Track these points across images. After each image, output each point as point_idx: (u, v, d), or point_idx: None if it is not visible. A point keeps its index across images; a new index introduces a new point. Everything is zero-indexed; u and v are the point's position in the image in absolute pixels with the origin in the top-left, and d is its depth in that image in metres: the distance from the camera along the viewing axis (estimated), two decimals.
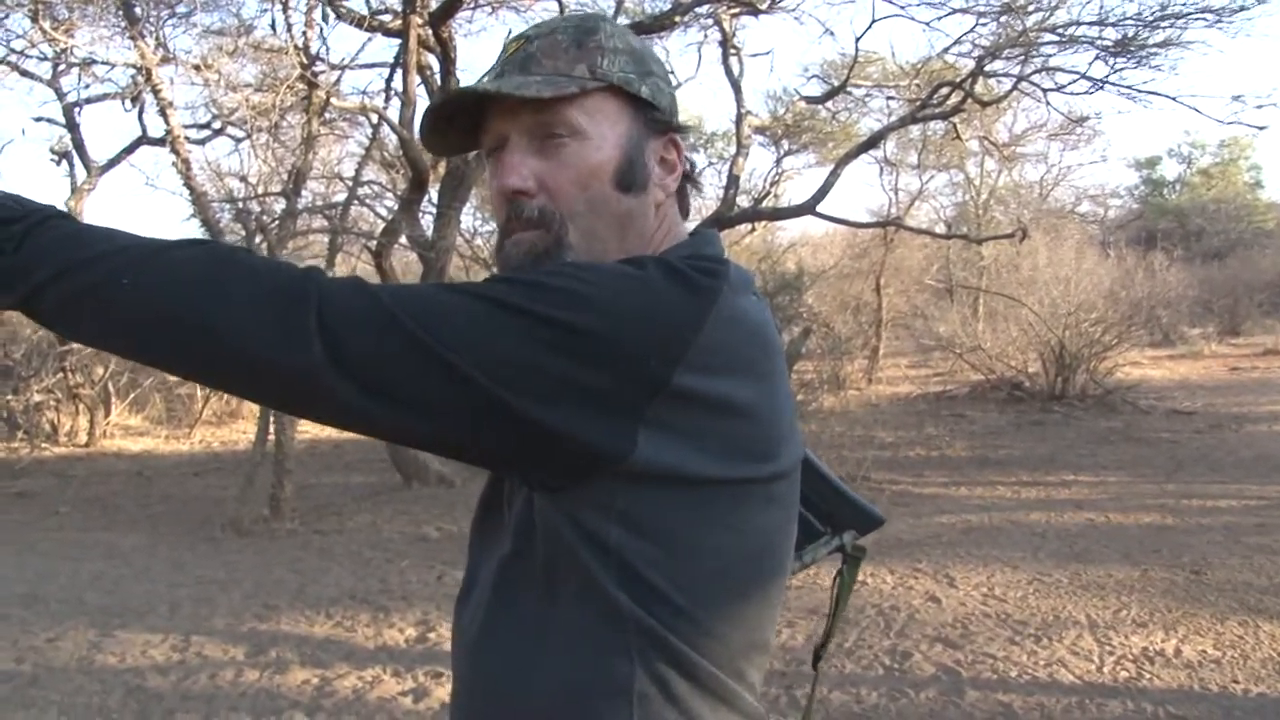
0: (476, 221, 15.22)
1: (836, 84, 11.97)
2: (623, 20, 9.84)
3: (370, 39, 9.66)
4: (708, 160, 18.52)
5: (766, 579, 1.00)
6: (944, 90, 10.73)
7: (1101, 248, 24.05)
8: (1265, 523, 6.53)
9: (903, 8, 9.81)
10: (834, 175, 10.41)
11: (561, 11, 9.13)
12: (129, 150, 13.00)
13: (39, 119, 13.25)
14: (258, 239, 11.79)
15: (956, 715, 3.73)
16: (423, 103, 8.87)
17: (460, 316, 0.87)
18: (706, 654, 0.95)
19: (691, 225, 1.17)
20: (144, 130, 12.62)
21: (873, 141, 11.48)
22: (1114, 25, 9.37)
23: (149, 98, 9.32)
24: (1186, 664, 4.16)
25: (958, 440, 10.58)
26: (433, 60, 9.20)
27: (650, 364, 0.88)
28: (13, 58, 11.03)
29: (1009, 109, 16.45)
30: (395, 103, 9.50)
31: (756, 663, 1.02)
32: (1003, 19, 9.98)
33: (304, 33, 8.28)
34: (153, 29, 8.79)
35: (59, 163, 13.04)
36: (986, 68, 10.36)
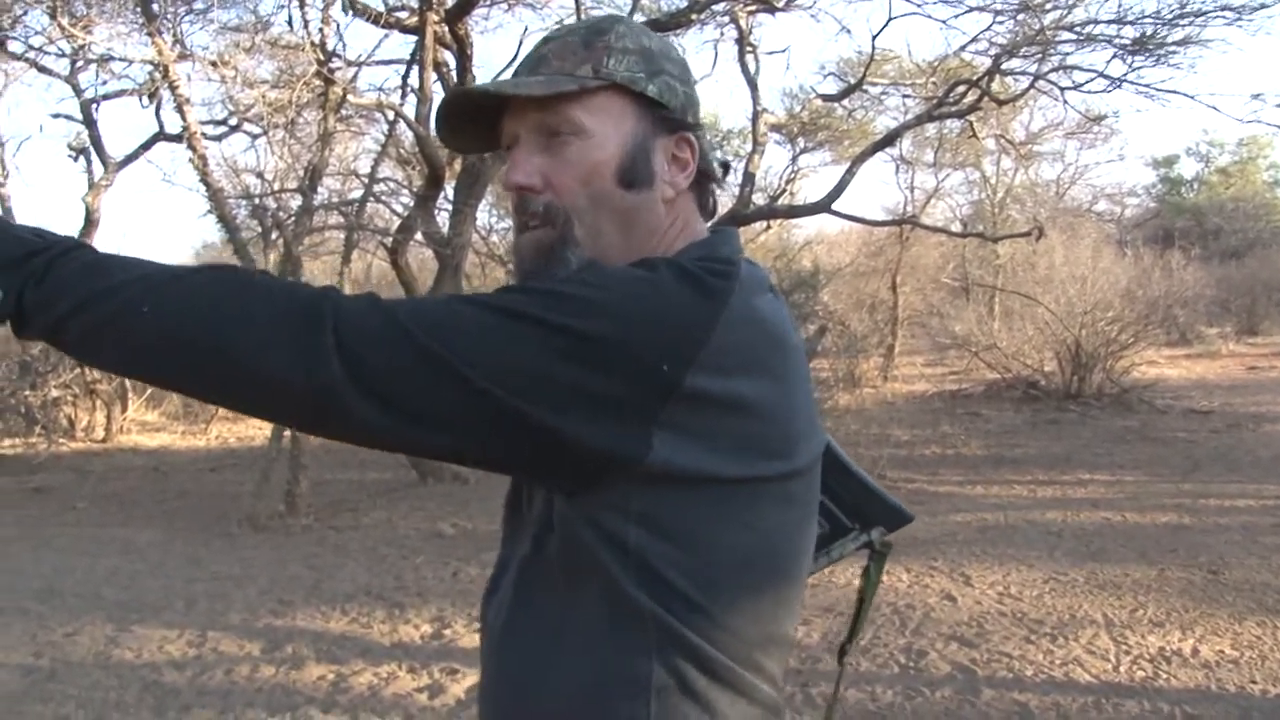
0: (492, 218, 15.28)
1: (853, 82, 11.93)
2: (639, 18, 9.83)
3: (387, 36, 9.68)
4: (723, 158, 18.53)
5: (782, 575, 1.02)
6: (960, 88, 10.69)
7: (1118, 246, 23.93)
8: None
9: (919, 5, 9.79)
10: (850, 173, 10.38)
11: (578, 8, 9.14)
12: (146, 146, 13.09)
13: (57, 115, 13.37)
14: (274, 235, 11.84)
15: (972, 714, 3.72)
16: (439, 99, 8.88)
17: (474, 329, 0.88)
18: (722, 648, 0.96)
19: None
20: (161, 126, 12.71)
21: (889, 139, 11.44)
22: (1132, 23, 9.32)
23: (166, 94, 9.35)
24: (1204, 664, 4.13)
25: (973, 439, 10.54)
26: (449, 57, 9.21)
27: (663, 367, 0.89)
28: (31, 54, 11.12)
29: (1025, 107, 16.39)
30: (411, 99, 9.51)
31: (775, 655, 1.03)
32: (1020, 17, 9.94)
33: (321, 29, 8.29)
34: (170, 25, 8.83)
35: (77, 159, 13.14)
36: (1003, 66, 10.32)
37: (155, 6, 8.11)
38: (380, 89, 11.36)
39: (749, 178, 10.24)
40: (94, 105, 12.71)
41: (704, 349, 0.90)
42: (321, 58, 8.17)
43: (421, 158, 9.16)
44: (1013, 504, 7.39)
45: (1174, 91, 9.59)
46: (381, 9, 9.22)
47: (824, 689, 3.99)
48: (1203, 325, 20.43)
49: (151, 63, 8.25)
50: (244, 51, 9.03)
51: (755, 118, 10.54)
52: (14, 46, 11.00)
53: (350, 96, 8.90)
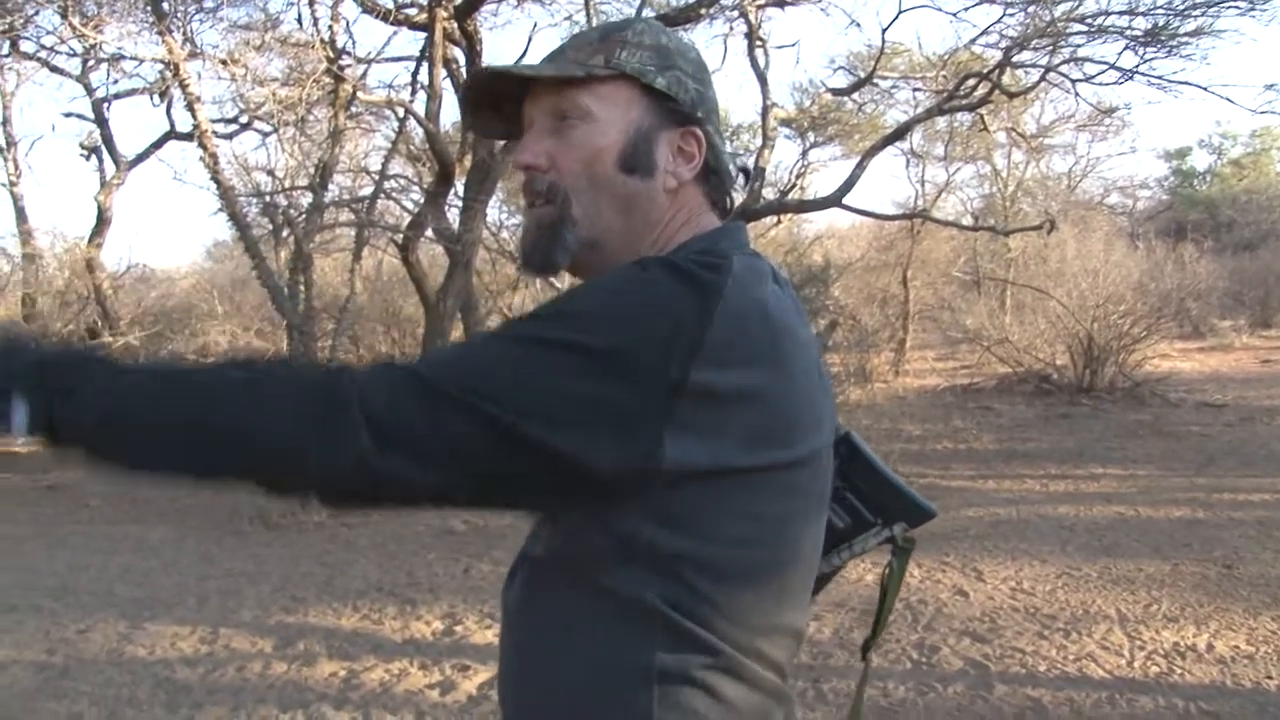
0: (502, 214, 15.25)
1: (863, 75, 11.90)
2: (648, 13, 9.82)
3: (396, 33, 9.70)
4: (733, 152, 18.50)
5: (786, 565, 1.05)
6: (971, 81, 10.65)
7: (1130, 240, 23.83)
8: None
9: None
10: (860, 167, 10.36)
11: (587, 3, 9.14)
12: (157, 145, 13.13)
13: (69, 115, 13.39)
14: (285, 233, 11.86)
15: (985, 710, 3.71)
16: (449, 96, 8.89)
17: (489, 366, 0.93)
18: (724, 636, 1.00)
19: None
20: (172, 125, 12.75)
21: (899, 133, 11.41)
22: (1144, 14, 9.28)
23: (177, 92, 9.38)
24: (1219, 659, 4.11)
25: (985, 433, 10.51)
26: (458, 53, 9.21)
27: (668, 368, 0.92)
28: (43, 54, 11.16)
29: (1036, 100, 16.29)
30: (421, 96, 9.54)
31: (780, 644, 1.06)
32: (1031, 9, 9.90)
33: (330, 26, 8.31)
34: (180, 24, 8.84)
35: (89, 158, 13.21)
36: (1014, 58, 10.27)
37: (165, 5, 8.13)
38: (390, 86, 11.42)
39: (759, 172, 10.21)
40: (105, 104, 12.79)
41: (704, 344, 0.92)
42: (331, 55, 8.18)
43: (432, 154, 9.16)
44: (1025, 498, 7.36)
45: (1186, 83, 9.55)
46: (391, 6, 9.23)
47: (835, 684, 3.99)
48: (1215, 318, 20.34)
49: (162, 61, 8.26)
50: (254, 50, 9.03)
51: (765, 112, 10.51)
52: (26, 47, 11.06)
53: (360, 94, 8.91)
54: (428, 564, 6.13)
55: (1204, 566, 5.43)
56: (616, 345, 0.91)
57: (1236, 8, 8.77)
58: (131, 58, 9.70)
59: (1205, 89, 9.43)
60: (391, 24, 9.19)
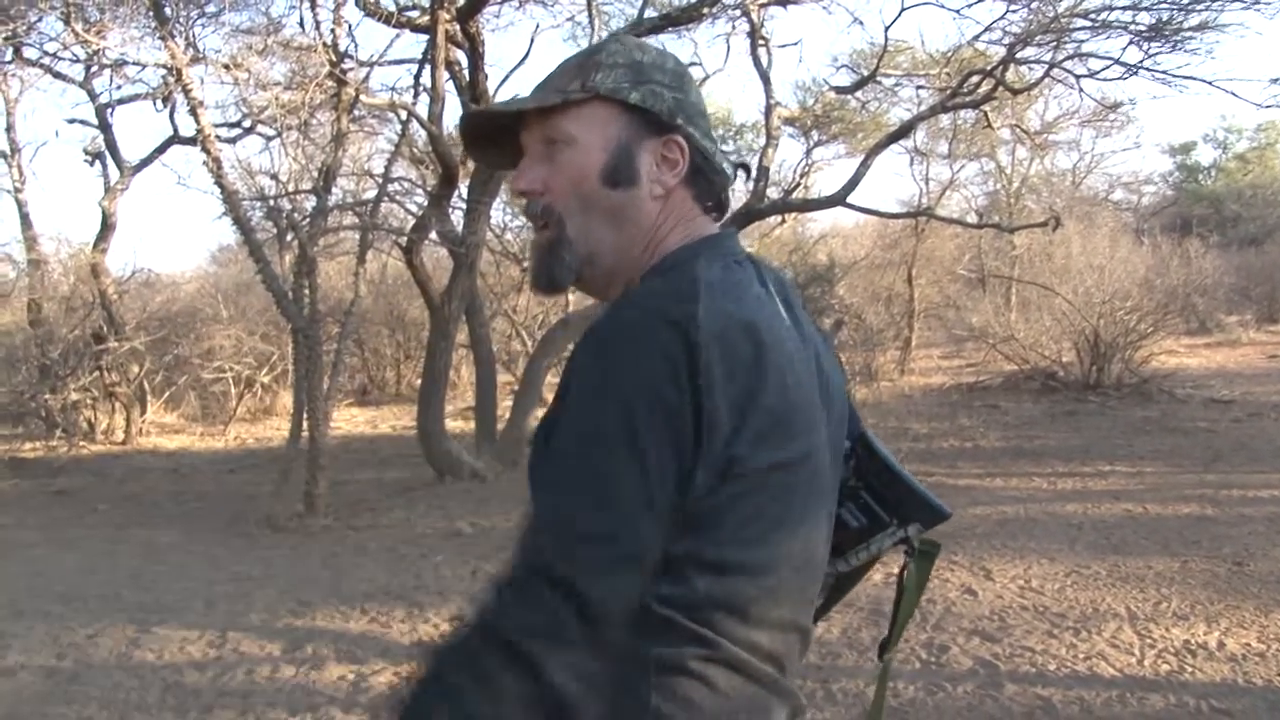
0: (506, 216, 15.24)
1: (866, 74, 11.88)
2: (650, 13, 9.81)
3: (398, 35, 9.65)
4: (737, 152, 18.46)
5: (782, 562, 1.09)
6: (975, 78, 10.62)
7: (1135, 235, 23.77)
8: None
9: None
10: (864, 166, 10.33)
11: (589, 4, 9.14)
12: (161, 150, 13.12)
13: (72, 120, 13.41)
14: (289, 236, 11.85)
15: (995, 709, 3.70)
16: (451, 98, 8.90)
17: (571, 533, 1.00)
18: (721, 630, 1.05)
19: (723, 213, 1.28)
20: (175, 130, 12.74)
21: (903, 131, 11.37)
22: (1148, 9, 9.23)
23: (180, 97, 9.37)
24: (1230, 657, 4.10)
25: (992, 431, 10.49)
26: (461, 56, 9.20)
27: (688, 415, 1.00)
28: (46, 59, 11.16)
29: (1040, 97, 16.26)
30: (424, 99, 9.51)
31: (780, 639, 1.11)
32: (1034, 5, 9.87)
33: (333, 30, 8.30)
34: (183, 29, 8.84)
35: (92, 163, 13.19)
36: (1018, 55, 10.23)
37: (168, 10, 8.13)
38: (393, 89, 11.37)
39: (763, 171, 10.18)
40: (109, 110, 12.75)
41: (697, 375, 0.99)
42: (334, 58, 8.17)
43: (435, 157, 9.15)
44: (1032, 496, 7.35)
45: (1191, 78, 9.50)
46: (393, 8, 9.22)
47: (844, 684, 3.98)
48: (1222, 313, 20.27)
49: (165, 66, 8.25)
50: (256, 54, 9.03)
51: (768, 111, 10.48)
52: (29, 53, 11.06)
53: (363, 97, 8.90)
54: (435, 567, 6.13)
55: (1214, 564, 5.41)
56: (649, 441, 0.98)
57: (1241, 1, 8.73)
58: (134, 63, 9.71)
59: (1210, 83, 9.38)
60: (394, 27, 9.18)
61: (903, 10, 10.69)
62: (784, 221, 16.81)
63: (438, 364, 9.08)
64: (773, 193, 12.74)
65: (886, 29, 10.62)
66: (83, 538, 7.42)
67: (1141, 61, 9.62)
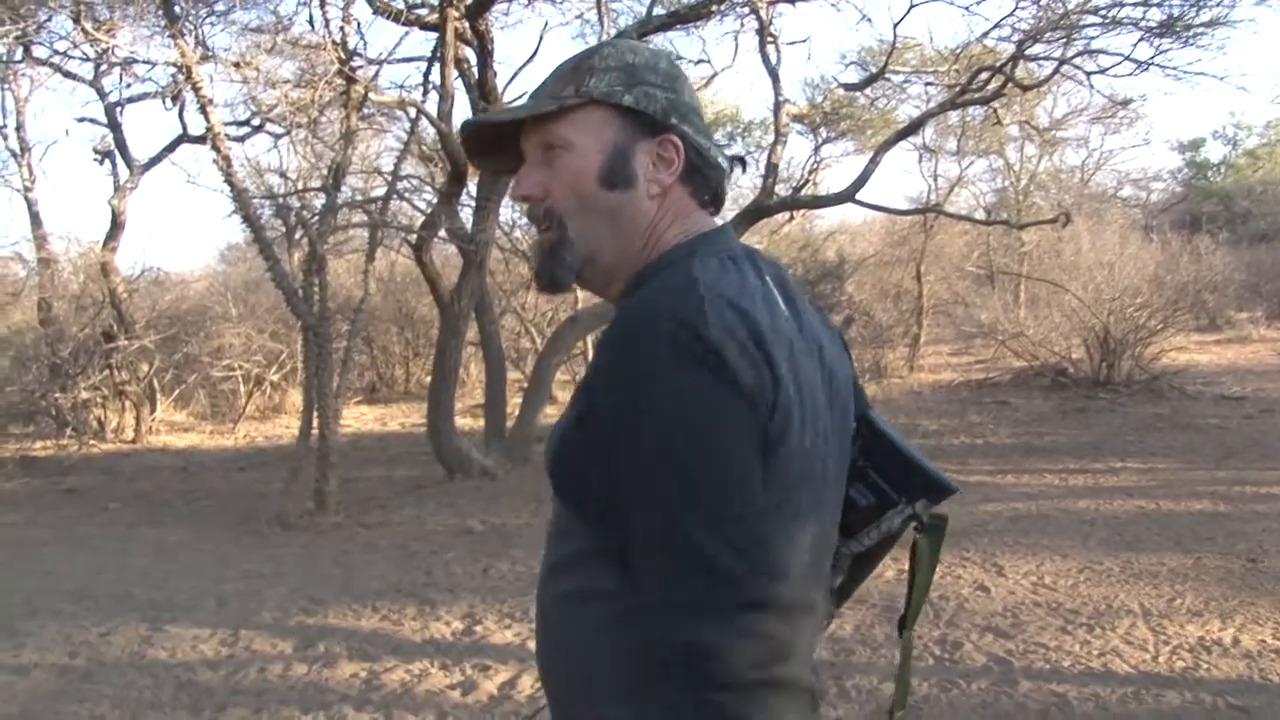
0: (515, 214, 15.21)
1: (875, 71, 11.85)
2: (659, 11, 9.80)
3: (407, 33, 9.66)
4: (745, 149, 18.42)
5: (787, 543, 1.09)
6: (984, 75, 10.59)
7: (1144, 232, 23.66)
8: None
9: None
10: (873, 162, 10.31)
11: (598, 3, 9.13)
12: (170, 149, 13.14)
13: (82, 119, 13.44)
14: (298, 234, 11.85)
15: (1010, 706, 3.68)
16: (460, 96, 8.88)
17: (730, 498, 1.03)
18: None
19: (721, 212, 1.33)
20: (184, 128, 12.75)
21: (912, 128, 11.34)
22: (1158, 5, 9.20)
23: (189, 96, 9.39)
24: (1245, 654, 4.08)
25: (1002, 428, 10.46)
26: (470, 53, 9.20)
27: (738, 407, 1.04)
28: (56, 58, 11.18)
29: (1049, 93, 16.21)
30: (433, 96, 9.51)
31: (789, 619, 1.09)
32: (1044, 1, 9.84)
33: (342, 28, 8.30)
34: (192, 28, 8.84)
35: (102, 162, 13.22)
36: (1027, 51, 10.20)
37: (177, 9, 8.12)
38: (402, 87, 11.33)
39: (772, 169, 10.17)
40: (118, 109, 12.78)
41: (724, 369, 1.02)
42: (343, 56, 8.17)
43: (444, 154, 9.15)
44: (1044, 493, 7.33)
45: (1202, 73, 9.47)
46: (402, 6, 9.22)
47: (858, 680, 3.97)
48: (1232, 310, 20.18)
49: (175, 65, 8.26)
50: (265, 52, 9.03)
51: (777, 108, 10.46)
52: (39, 52, 11.08)
53: (372, 95, 8.90)
54: (446, 564, 6.12)
55: (1227, 560, 5.39)
56: (724, 438, 1.02)
57: None
58: (144, 61, 9.71)
59: (1221, 79, 9.36)
60: (403, 24, 9.18)
61: (911, 7, 10.68)
62: (792, 218, 16.77)
63: (448, 361, 9.08)
64: (781, 190, 12.71)
65: (895, 25, 10.59)
66: (94, 536, 7.44)
67: (1152, 58, 9.59)
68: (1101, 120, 18.19)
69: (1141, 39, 9.53)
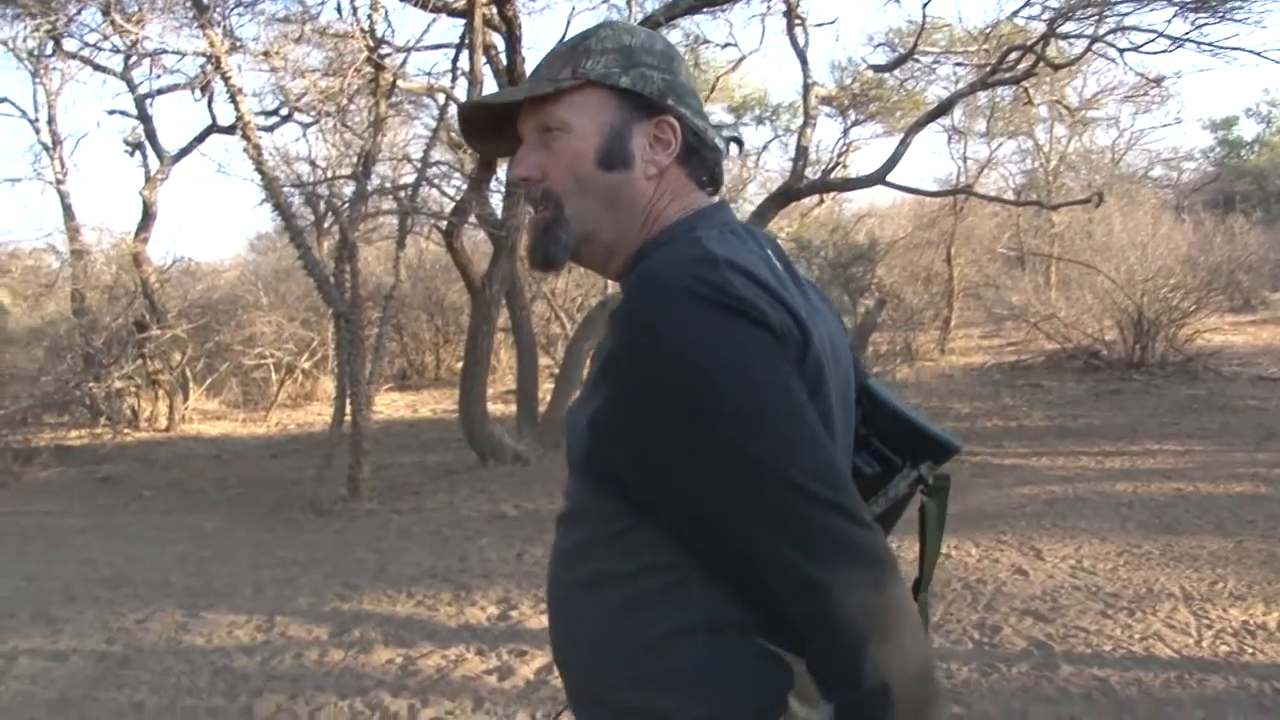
0: None
1: (903, 52, 11.75)
2: None
3: (435, 19, 9.63)
4: (773, 133, 18.32)
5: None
6: (1014, 54, 10.46)
7: (1176, 212, 23.36)
8: None
9: None
10: (904, 144, 10.23)
11: None
12: (200, 139, 13.21)
13: (113, 112, 13.48)
14: (327, 223, 11.89)
15: (1051, 690, 3.64)
16: (489, 82, 8.86)
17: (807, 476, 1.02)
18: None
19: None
20: (214, 119, 12.81)
21: (943, 109, 11.24)
22: None
23: (218, 86, 9.41)
24: None
25: (1035, 410, 10.37)
26: (498, 39, 9.17)
27: (784, 352, 1.06)
28: (86, 51, 11.25)
29: (1080, 72, 16.00)
30: (462, 83, 9.50)
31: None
32: None
33: (369, 15, 8.29)
34: (220, 18, 8.86)
35: (133, 153, 13.31)
36: (1059, 29, 10.07)
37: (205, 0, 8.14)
38: (429, 74, 11.33)
39: (801, 151, 10.10)
40: (148, 100, 12.84)
41: (762, 319, 1.03)
42: (371, 44, 8.17)
43: None
44: (1080, 475, 7.25)
45: (1239, 49, 9.30)
46: None
47: None
48: (1267, 290, 19.92)
49: (204, 55, 8.28)
50: (293, 42, 9.04)
51: (806, 91, 10.40)
52: (69, 45, 11.16)
53: (400, 82, 8.90)
54: (480, 550, 6.13)
55: (1270, 543, 5.31)
56: (778, 382, 1.03)
57: None
58: (174, 52, 9.75)
59: (1259, 54, 9.18)
60: (430, 11, 9.16)
61: None
62: (822, 201, 16.68)
63: (479, 347, 9.08)
64: (811, 173, 12.63)
65: (925, 5, 10.48)
66: (129, 524, 7.50)
67: (1187, 33, 9.43)
68: (1133, 99, 17.95)
69: (1176, 14, 9.38)
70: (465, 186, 9.73)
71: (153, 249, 13.18)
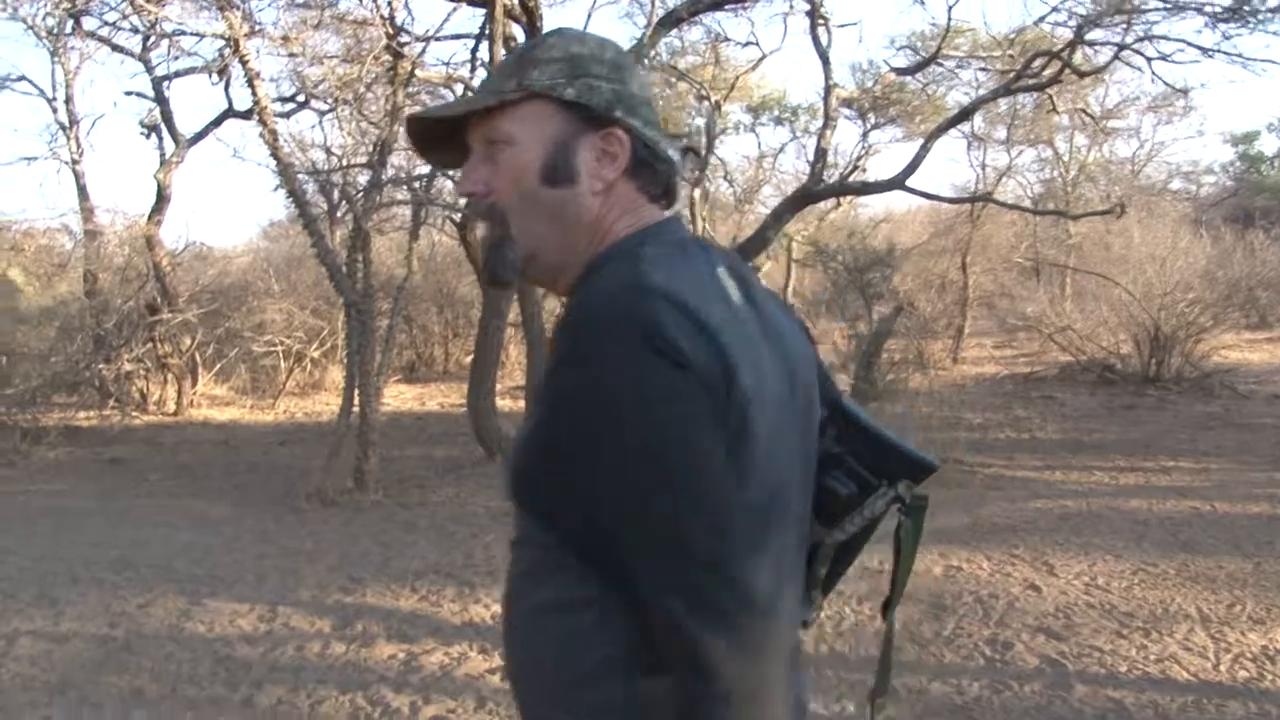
0: None
1: (926, 55, 11.66)
2: None
3: (455, 9, 9.58)
4: (792, 134, 18.25)
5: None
6: (1039, 60, 10.36)
7: (1194, 226, 23.24)
8: None
9: None
10: (925, 149, 10.13)
11: None
12: (216, 123, 13.19)
13: (130, 93, 13.46)
14: (340, 211, 11.84)
15: (1065, 710, 3.57)
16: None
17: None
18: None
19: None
20: (230, 103, 12.78)
21: (965, 114, 11.15)
22: None
23: (236, 70, 9.37)
24: None
25: (1049, 423, 10.28)
26: (517, 30, 9.11)
27: (700, 394, 1.03)
28: (105, 30, 11.23)
29: (1103, 81, 15.89)
30: (480, 74, 9.44)
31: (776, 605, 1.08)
32: None
33: (389, 3, 8.24)
34: (240, 2, 8.82)
35: (149, 136, 13.28)
36: (1086, 36, 9.96)
37: None
38: (448, 64, 11.25)
39: (820, 153, 10.02)
40: (165, 83, 12.81)
41: (680, 356, 1.00)
42: (391, 31, 8.12)
43: None
44: (1094, 491, 7.17)
45: (1270, 61, 9.21)
46: None
47: (907, 680, 3.87)
48: None
49: (222, 37, 8.24)
50: (312, 28, 9.00)
51: (828, 92, 10.32)
52: (88, 24, 11.12)
53: (419, 72, 8.84)
54: (485, 546, 6.07)
55: None
56: (664, 438, 1.00)
57: None
58: (192, 33, 9.72)
59: None
60: (451, 0, 9.11)
61: None
62: (838, 205, 16.60)
63: (490, 341, 9.03)
64: (828, 176, 12.54)
65: (950, 9, 10.38)
66: (135, 507, 7.46)
67: (1218, 44, 9.32)
68: (1156, 110, 17.84)
69: (1206, 25, 9.27)
70: None
71: (165, 232, 13.15)
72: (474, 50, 9.98)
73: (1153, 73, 10.66)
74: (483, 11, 8.82)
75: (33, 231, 14.19)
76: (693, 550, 0.99)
